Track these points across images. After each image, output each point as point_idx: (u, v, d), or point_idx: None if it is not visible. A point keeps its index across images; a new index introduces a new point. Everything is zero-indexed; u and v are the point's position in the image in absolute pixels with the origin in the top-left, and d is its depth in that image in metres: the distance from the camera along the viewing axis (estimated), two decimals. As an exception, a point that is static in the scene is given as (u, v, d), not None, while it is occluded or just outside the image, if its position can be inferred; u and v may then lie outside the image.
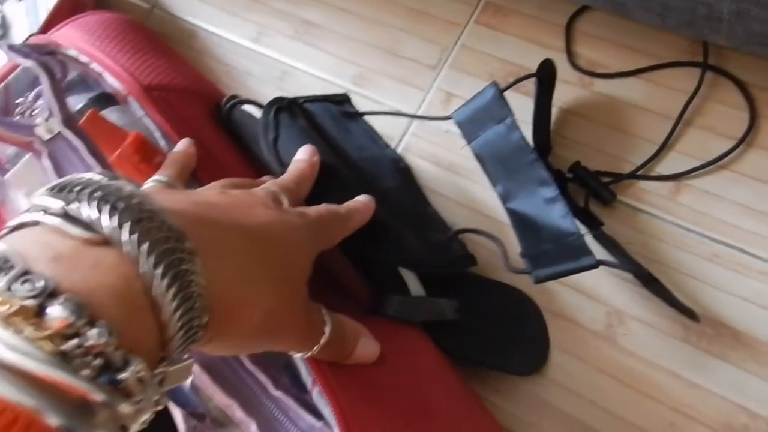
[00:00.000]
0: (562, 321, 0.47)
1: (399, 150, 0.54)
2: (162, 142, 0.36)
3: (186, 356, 0.24)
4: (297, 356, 0.31)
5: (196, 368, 0.31)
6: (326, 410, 0.31)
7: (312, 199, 0.38)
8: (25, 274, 0.19)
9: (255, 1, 0.62)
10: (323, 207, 0.34)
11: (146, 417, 0.21)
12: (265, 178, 0.38)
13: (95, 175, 0.23)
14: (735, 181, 0.46)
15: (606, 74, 0.51)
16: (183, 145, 0.37)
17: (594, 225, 0.46)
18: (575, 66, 0.52)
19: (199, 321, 0.23)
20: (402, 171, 0.50)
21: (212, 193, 0.29)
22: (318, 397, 0.31)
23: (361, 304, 0.40)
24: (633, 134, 0.49)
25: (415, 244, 0.41)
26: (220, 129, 0.44)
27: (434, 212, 0.49)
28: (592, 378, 0.45)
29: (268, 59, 0.60)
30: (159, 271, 0.21)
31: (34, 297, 0.18)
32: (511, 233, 0.42)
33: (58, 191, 0.22)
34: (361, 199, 0.38)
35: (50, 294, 0.19)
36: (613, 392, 0.44)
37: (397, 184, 0.48)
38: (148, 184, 0.32)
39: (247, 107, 0.44)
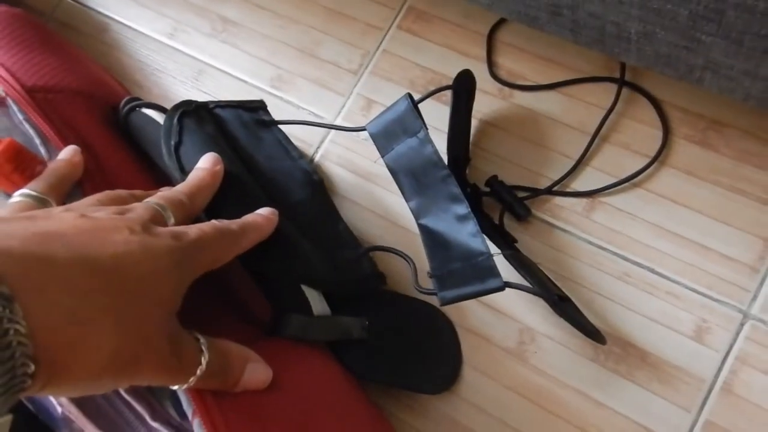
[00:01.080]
0: (475, 338, 0.46)
1: (317, 157, 0.52)
2: (42, 150, 0.34)
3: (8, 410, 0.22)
4: (174, 388, 0.29)
5: (64, 400, 0.29)
6: None
7: (212, 211, 0.36)
8: None
9: (171, -5, 0.59)
10: (209, 225, 0.32)
11: None
12: (162, 189, 0.36)
13: None
14: (647, 200, 0.46)
15: (525, 86, 0.50)
16: (67, 153, 0.34)
17: (507, 242, 0.46)
18: (495, 77, 0.51)
19: (24, 370, 0.21)
20: (314, 184, 0.48)
21: (68, 217, 0.27)
22: (198, 428, 0.29)
23: (261, 324, 0.38)
24: (551, 148, 0.49)
25: (319, 261, 0.40)
26: (115, 134, 0.41)
27: (345, 228, 0.48)
28: (503, 396, 0.44)
29: (183, 56, 0.57)
30: None
31: None
32: (420, 249, 0.41)
33: None
34: (262, 212, 0.36)
35: None
36: (522, 411, 0.44)
37: (307, 198, 0.46)
38: (14, 199, 0.30)
39: (148, 111, 0.41)
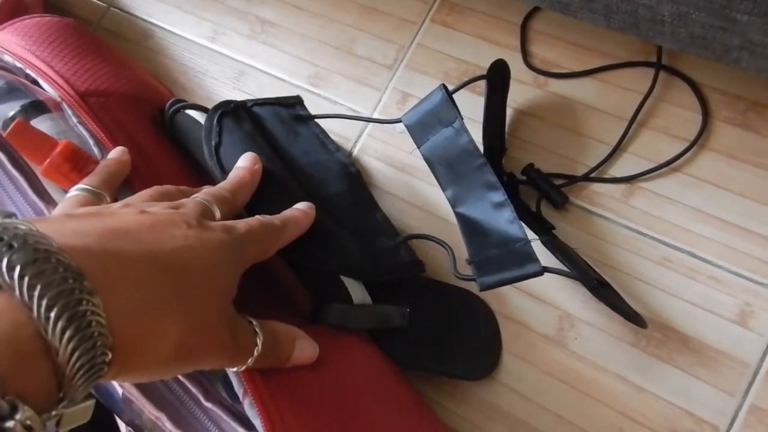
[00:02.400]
0: (514, 325, 0.46)
1: (355, 151, 0.53)
2: (96, 150, 0.36)
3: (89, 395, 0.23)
4: (231, 370, 0.31)
5: (126, 383, 0.31)
6: (257, 421, 0.31)
7: (253, 207, 0.37)
8: None
9: (211, 0, 0.61)
10: (254, 219, 0.33)
11: None
12: (205, 187, 0.38)
13: None
14: (687, 185, 0.46)
15: (560, 74, 0.50)
16: (116, 153, 0.36)
17: (545, 229, 0.46)
18: (530, 66, 0.51)
19: (102, 359, 0.23)
20: (351, 176, 0.49)
21: (129, 213, 0.28)
22: (249, 407, 0.31)
23: (302, 313, 0.39)
24: (587, 135, 0.49)
25: (357, 251, 0.41)
26: (162, 135, 0.43)
27: (383, 218, 0.49)
28: (543, 382, 0.45)
29: (224, 58, 0.59)
30: (53, 314, 0.21)
31: None
32: (457, 238, 0.42)
33: None
34: (300, 206, 0.38)
35: None
36: (562, 396, 0.44)
37: (344, 190, 0.47)
38: (72, 193, 0.32)
39: (191, 112, 0.43)
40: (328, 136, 0.50)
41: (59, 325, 0.21)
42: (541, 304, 0.46)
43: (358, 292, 0.40)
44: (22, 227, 0.22)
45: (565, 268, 0.43)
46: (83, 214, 0.27)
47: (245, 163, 0.38)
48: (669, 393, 0.43)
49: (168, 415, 0.31)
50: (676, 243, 0.45)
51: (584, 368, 0.44)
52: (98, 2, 0.64)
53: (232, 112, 0.43)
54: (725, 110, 0.47)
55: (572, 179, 0.48)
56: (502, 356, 0.46)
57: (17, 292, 0.21)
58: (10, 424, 0.19)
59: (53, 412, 0.21)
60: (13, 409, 0.19)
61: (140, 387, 0.31)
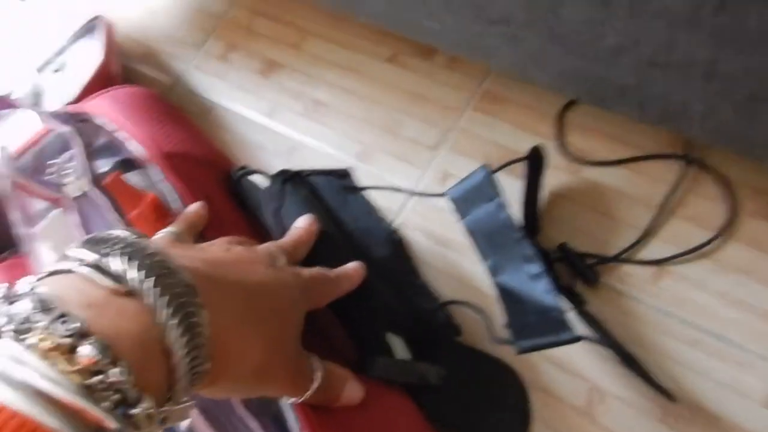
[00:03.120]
0: (545, 395, 0.48)
1: (396, 223, 0.57)
2: (176, 204, 0.40)
3: (186, 399, 0.26)
4: (288, 402, 0.33)
5: (193, 410, 0.33)
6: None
7: (307, 263, 0.41)
8: (63, 316, 0.22)
9: (270, 81, 0.67)
10: (316, 270, 0.37)
11: None
12: (267, 243, 0.41)
13: (124, 233, 0.27)
14: (715, 270, 0.49)
15: (593, 162, 0.54)
16: (195, 206, 0.40)
17: (578, 303, 0.49)
18: (565, 153, 0.55)
19: (202, 367, 0.26)
20: (394, 242, 0.53)
21: (218, 250, 0.32)
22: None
23: (347, 364, 0.41)
24: (618, 219, 0.52)
25: (399, 309, 0.44)
26: (229, 195, 0.47)
27: (423, 283, 0.52)
28: (573, 454, 0.46)
29: (278, 134, 0.64)
30: (174, 321, 0.24)
31: (69, 336, 0.21)
32: (497, 307, 0.45)
33: (93, 245, 0.25)
34: (352, 265, 0.41)
35: (82, 334, 0.22)
36: (593, 469, 0.45)
37: (388, 254, 0.50)
38: (160, 234, 0.35)
39: (253, 177, 0.47)
40: (373, 207, 0.54)
41: (178, 331, 0.24)
42: (572, 376, 0.48)
43: (399, 348, 0.42)
44: (152, 247, 0.26)
45: (598, 338, 0.45)
46: (183, 246, 0.31)
47: (303, 223, 0.42)
48: (699, 470, 0.44)
49: (230, 446, 0.33)
50: (704, 326, 0.47)
51: (614, 442, 0.46)
52: (164, 80, 0.70)
53: (291, 178, 0.47)
54: (751, 203, 0.50)
55: (603, 259, 0.50)
56: (532, 426, 0.48)
57: (147, 299, 0.24)
58: (135, 411, 0.22)
59: (163, 408, 0.24)
60: (138, 400, 0.22)
61: (206, 416, 0.33)
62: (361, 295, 0.41)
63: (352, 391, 0.37)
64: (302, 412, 0.33)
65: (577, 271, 0.50)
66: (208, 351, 0.26)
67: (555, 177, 0.55)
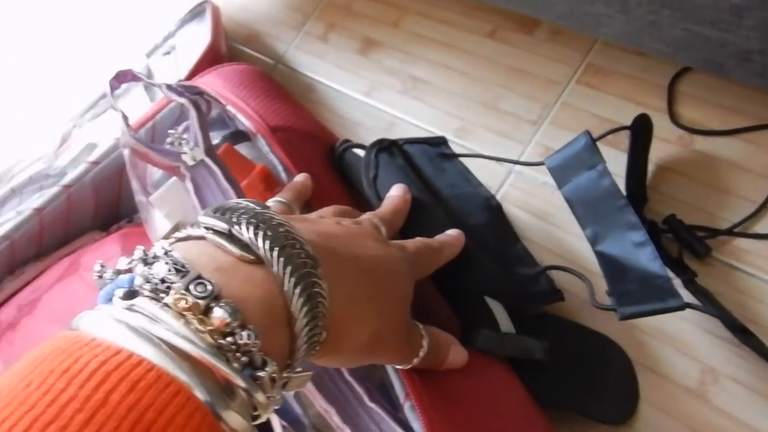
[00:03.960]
0: (653, 375, 0.47)
1: (497, 197, 0.56)
2: (283, 176, 0.41)
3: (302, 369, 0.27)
4: (398, 367, 0.34)
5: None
6: (416, 424, 0.33)
7: (406, 232, 0.41)
8: (198, 279, 0.23)
9: (369, 59, 0.68)
10: (419, 241, 0.37)
11: (270, 411, 0.24)
12: (366, 213, 0.42)
13: (250, 203, 0.28)
14: (840, 246, 0.45)
15: (706, 131, 0.52)
16: (301, 177, 0.41)
17: (686, 275, 0.47)
18: (675, 124, 0.53)
19: (319, 337, 0.27)
20: (492, 209, 0.53)
21: (330, 223, 0.33)
22: (410, 411, 0.33)
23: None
24: (731, 192, 0.50)
25: (500, 275, 0.44)
26: (333, 168, 0.48)
27: (523, 248, 0.51)
28: (683, 435, 0.44)
29: (377, 111, 0.65)
30: (297, 290, 0.25)
31: (203, 298, 0.23)
32: (599, 277, 0.44)
33: (221, 214, 0.27)
34: (452, 233, 0.41)
35: (215, 297, 0.23)
36: (703, 452, 0.44)
37: (486, 221, 0.50)
38: (270, 203, 0.37)
39: (358, 151, 0.48)
40: (471, 173, 0.54)
41: (300, 300, 0.25)
42: (682, 356, 0.46)
43: (503, 320, 0.42)
44: (277, 218, 0.27)
45: (708, 308, 0.43)
46: (298, 218, 0.32)
47: (398, 192, 0.43)
48: (822, 455, 0.41)
49: (337, 409, 0.34)
50: (829, 304, 0.44)
51: (729, 425, 0.44)
52: (267, 60, 0.72)
53: (387, 148, 0.47)
54: None
55: (715, 232, 0.48)
56: (639, 405, 0.46)
57: (275, 268, 0.25)
58: (262, 373, 0.23)
59: (284, 374, 0.25)
60: (264, 363, 0.23)
61: (314, 381, 0.34)
62: (461, 263, 0.41)
63: (456, 355, 0.37)
64: (408, 379, 0.34)
65: (686, 244, 0.48)
66: (326, 322, 0.27)
67: (664, 149, 0.53)
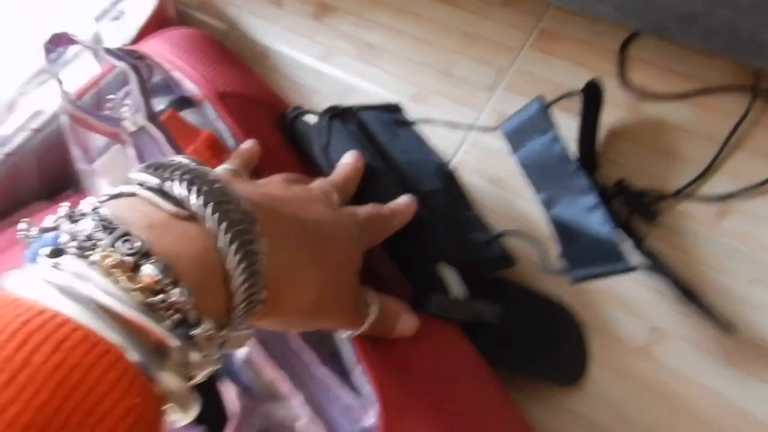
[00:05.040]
0: (602, 336, 0.48)
1: (450, 165, 0.56)
2: (230, 142, 0.40)
3: (243, 327, 0.27)
4: (345, 335, 0.34)
5: (252, 341, 0.34)
6: (366, 388, 0.33)
7: (357, 198, 0.41)
8: (125, 235, 0.22)
9: (323, 24, 0.66)
10: (370, 207, 0.37)
11: (207, 371, 0.24)
12: (318, 179, 0.42)
13: (185, 159, 0.27)
14: (781, 206, 0.47)
15: (655, 96, 0.52)
16: (248, 143, 0.41)
17: (636, 239, 0.47)
18: (626, 89, 0.53)
19: (258, 296, 0.26)
20: (445, 175, 0.52)
21: (276, 186, 0.33)
22: (360, 375, 0.34)
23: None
24: (679, 157, 0.50)
25: (451, 241, 0.44)
26: (283, 136, 0.47)
27: (476, 215, 0.51)
28: (630, 394, 0.46)
29: (333, 78, 0.64)
30: (233, 247, 0.24)
31: (131, 255, 0.22)
32: (552, 242, 0.44)
33: (154, 170, 0.26)
34: (403, 199, 0.41)
35: (144, 254, 0.22)
36: (650, 409, 0.45)
37: (440, 187, 0.50)
38: (218, 170, 0.36)
39: (307, 118, 0.48)
40: (424, 141, 0.54)
41: (237, 257, 0.24)
42: (630, 316, 0.47)
43: (454, 284, 0.42)
44: (212, 173, 0.26)
45: (655, 269, 0.44)
46: (242, 180, 0.31)
47: (349, 159, 0.42)
48: (763, 409, 0.43)
49: (289, 375, 0.34)
50: (770, 263, 0.46)
51: (674, 382, 0.45)
52: (220, 25, 0.71)
53: (340, 114, 0.47)
54: (824, 136, 0.47)
55: (663, 196, 0.49)
56: (588, 366, 0.47)
57: (209, 224, 0.25)
58: (196, 331, 0.22)
59: (222, 333, 0.24)
60: (198, 321, 0.22)
61: (265, 347, 0.34)
62: (413, 228, 0.41)
63: (407, 323, 0.37)
64: (359, 344, 0.34)
65: (635, 207, 0.49)
66: (265, 280, 0.26)
67: (614, 114, 0.53)
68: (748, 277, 0.46)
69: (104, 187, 0.40)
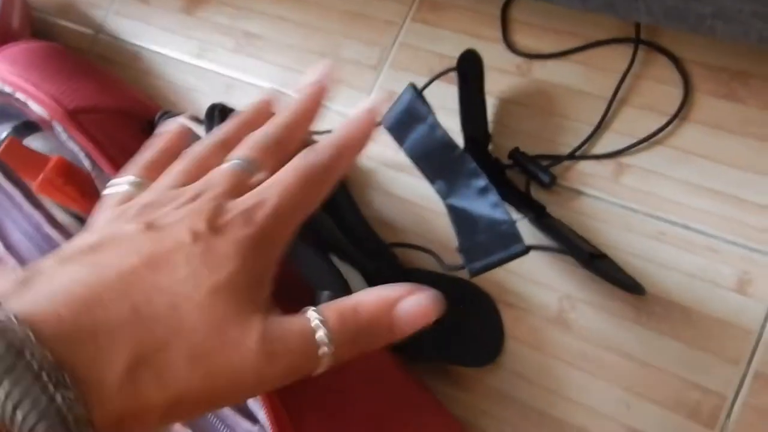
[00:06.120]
0: (515, 310, 0.47)
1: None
2: (86, 163, 0.37)
3: None
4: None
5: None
6: (260, 414, 0.31)
7: None
8: None
9: (196, 18, 0.62)
10: (293, 171, 0.27)
11: None
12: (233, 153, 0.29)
13: None
14: (676, 159, 0.46)
15: (541, 55, 0.51)
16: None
17: (536, 210, 0.46)
18: (512, 51, 0.52)
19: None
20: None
21: (132, 235, 0.25)
22: (252, 401, 0.31)
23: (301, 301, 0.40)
24: (571, 118, 0.49)
25: (349, 245, 0.42)
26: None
27: (365, 222, 0.50)
28: (547, 364, 0.45)
29: (212, 74, 0.60)
30: (19, 416, 0.18)
31: None
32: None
33: None
34: (359, 115, 0.30)
35: None
36: (568, 377, 0.45)
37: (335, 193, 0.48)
38: (117, 188, 0.28)
39: (180, 120, 0.44)
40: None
41: (27, 424, 0.18)
42: (540, 287, 0.47)
43: (356, 282, 0.41)
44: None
45: (551, 245, 0.43)
46: (76, 256, 0.24)
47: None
48: (674, 366, 0.43)
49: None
50: (669, 217, 0.45)
51: (587, 347, 0.45)
52: (86, 30, 0.65)
53: (230, 111, 0.44)
54: (708, 83, 0.47)
55: (558, 159, 0.48)
56: (505, 342, 0.46)
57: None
58: None
59: None
60: None
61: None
62: (309, 228, 0.38)
63: (419, 305, 0.28)
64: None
65: (532, 175, 0.48)
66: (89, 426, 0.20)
67: (503, 81, 0.52)
68: (649, 233, 0.45)
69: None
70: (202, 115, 0.58)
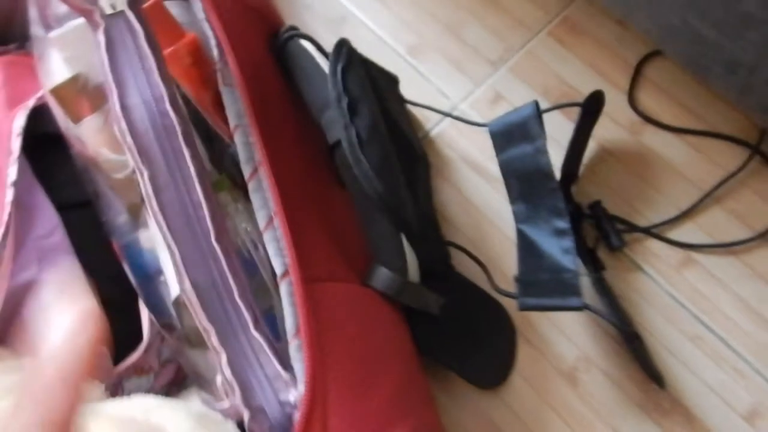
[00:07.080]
0: (532, 349, 0.47)
1: (432, 133, 0.53)
2: (215, 52, 0.35)
3: None
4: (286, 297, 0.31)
5: (187, 286, 0.30)
6: (297, 365, 0.31)
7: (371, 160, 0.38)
8: None
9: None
10: None
11: None
12: None
13: None
14: (743, 273, 0.46)
15: (659, 123, 0.50)
16: None
17: (596, 268, 0.46)
18: (632, 107, 0.51)
19: None
20: (427, 165, 0.50)
21: None
22: (295, 350, 0.31)
23: (356, 273, 0.39)
24: (661, 193, 0.49)
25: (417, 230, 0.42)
26: (272, 56, 0.42)
27: (433, 215, 0.50)
28: (542, 412, 0.45)
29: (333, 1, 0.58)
30: None
31: None
32: (508, 250, 0.43)
33: None
34: None
35: None
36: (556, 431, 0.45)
37: (421, 175, 0.48)
38: None
39: (305, 43, 0.43)
40: (411, 120, 0.51)
41: None
42: (564, 338, 0.47)
43: (413, 269, 0.40)
44: None
45: (603, 311, 0.43)
46: None
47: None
48: (663, 463, 0.43)
49: (216, 330, 0.31)
50: (712, 325, 0.46)
51: (586, 412, 0.45)
52: None
53: (355, 52, 0.43)
54: (802, 215, 0.47)
55: (634, 228, 0.48)
56: (511, 375, 0.47)
57: None
58: None
59: None
60: None
61: (200, 297, 0.31)
62: (393, 204, 0.38)
63: None
64: (304, 317, 0.31)
65: (604, 234, 0.47)
66: None
67: (611, 130, 0.51)
68: (689, 333, 0.46)
69: (56, 60, 0.34)
70: (309, 33, 0.56)
